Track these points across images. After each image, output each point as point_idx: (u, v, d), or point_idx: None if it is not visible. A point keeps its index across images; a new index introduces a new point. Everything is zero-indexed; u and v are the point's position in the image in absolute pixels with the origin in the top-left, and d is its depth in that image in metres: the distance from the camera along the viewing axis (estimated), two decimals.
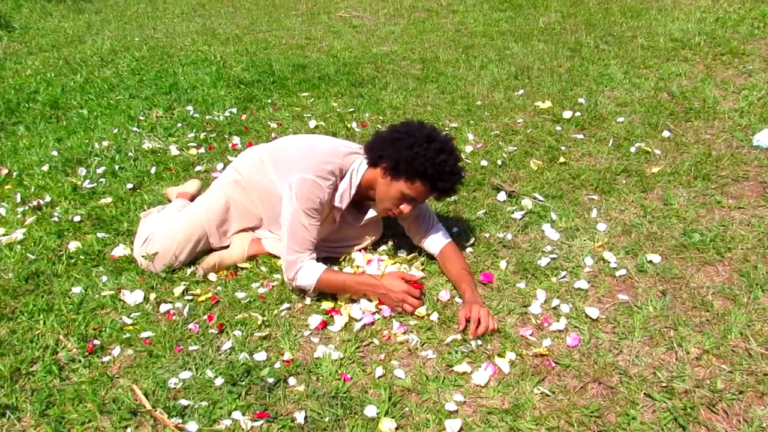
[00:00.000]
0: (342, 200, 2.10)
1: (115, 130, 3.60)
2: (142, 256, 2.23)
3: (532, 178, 2.83)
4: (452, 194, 2.04)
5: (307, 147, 2.10)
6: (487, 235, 2.41)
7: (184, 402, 1.66)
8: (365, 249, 2.31)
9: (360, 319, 1.96)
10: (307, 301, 2.08)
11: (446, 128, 3.44)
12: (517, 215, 2.51)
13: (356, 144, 2.19)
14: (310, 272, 1.99)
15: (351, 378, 1.74)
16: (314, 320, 1.96)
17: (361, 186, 2.10)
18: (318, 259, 2.04)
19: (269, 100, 4.02)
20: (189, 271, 2.25)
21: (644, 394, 1.63)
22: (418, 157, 1.91)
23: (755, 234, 2.29)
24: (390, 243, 2.37)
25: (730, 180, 2.69)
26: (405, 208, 2.03)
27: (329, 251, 2.22)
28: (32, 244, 2.47)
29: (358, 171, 2.08)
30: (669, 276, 2.09)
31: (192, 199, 2.57)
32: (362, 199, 2.18)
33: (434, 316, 1.96)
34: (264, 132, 3.50)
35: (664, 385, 1.66)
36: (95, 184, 2.95)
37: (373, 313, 1.99)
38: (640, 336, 1.84)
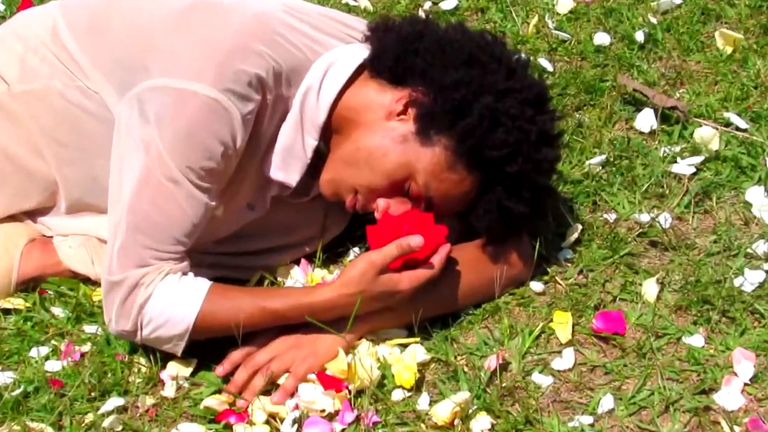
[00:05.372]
0: (286, 164, 0.96)
1: None
2: None
3: None
4: (509, 231, 0.97)
5: (187, 8, 0.96)
6: None
7: None
8: (311, 257, 1.09)
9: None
10: (169, 392, 0.87)
11: None
12: None
13: (313, 5, 1.05)
14: (177, 298, 0.87)
15: None
16: None
17: (332, 123, 0.96)
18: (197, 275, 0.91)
19: None
20: None
21: None
22: (500, 113, 0.89)
23: None
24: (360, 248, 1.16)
25: None
26: (384, 203, 0.94)
27: (230, 265, 1.02)
28: None
29: (322, 90, 0.94)
30: None
31: None
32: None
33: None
34: None
35: None
36: None
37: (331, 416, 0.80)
38: None
